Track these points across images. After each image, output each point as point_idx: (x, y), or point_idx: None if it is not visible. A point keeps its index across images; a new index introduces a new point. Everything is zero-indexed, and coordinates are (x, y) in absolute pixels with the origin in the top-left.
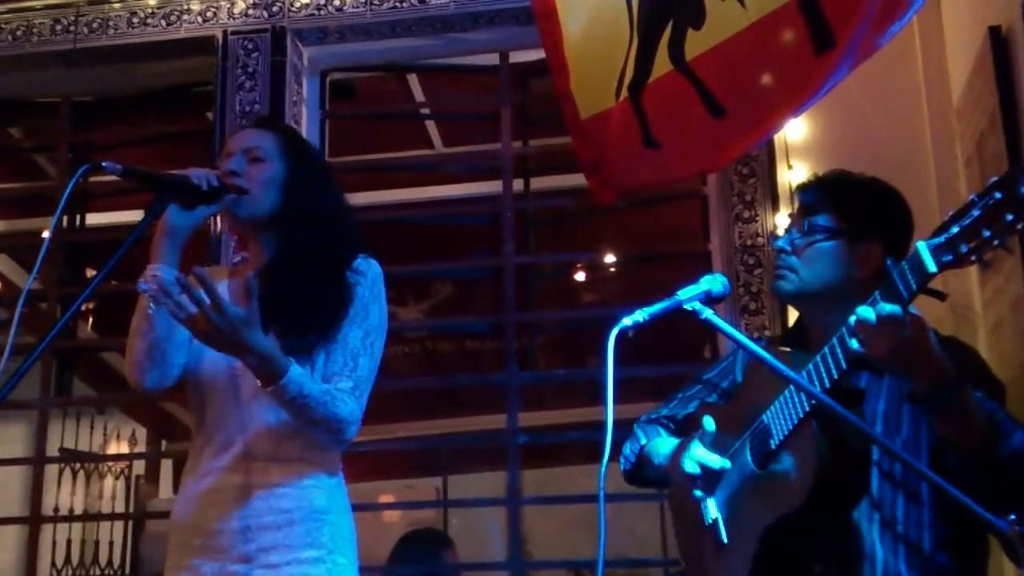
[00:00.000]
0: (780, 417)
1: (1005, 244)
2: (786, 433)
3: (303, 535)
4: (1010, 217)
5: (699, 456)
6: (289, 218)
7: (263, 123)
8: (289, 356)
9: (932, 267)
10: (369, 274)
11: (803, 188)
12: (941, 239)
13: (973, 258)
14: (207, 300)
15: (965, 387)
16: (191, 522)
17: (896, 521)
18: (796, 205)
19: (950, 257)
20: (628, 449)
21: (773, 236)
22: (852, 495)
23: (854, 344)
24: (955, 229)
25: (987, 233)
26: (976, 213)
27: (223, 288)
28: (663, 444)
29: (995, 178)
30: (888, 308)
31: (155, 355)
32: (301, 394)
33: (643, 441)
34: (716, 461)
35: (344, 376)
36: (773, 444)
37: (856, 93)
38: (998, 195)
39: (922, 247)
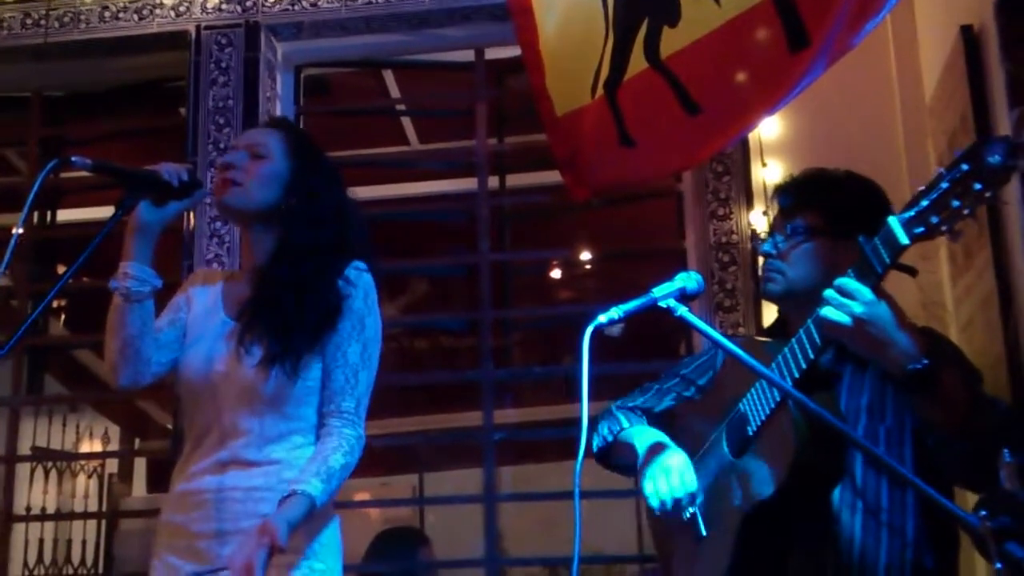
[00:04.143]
0: (756, 405)
1: (974, 213)
2: (762, 420)
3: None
4: (978, 186)
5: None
6: (286, 217)
7: (272, 123)
8: (275, 364)
9: (904, 239)
10: (360, 284)
11: (781, 190)
12: (912, 212)
13: (944, 228)
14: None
15: (943, 364)
16: (175, 523)
17: (881, 508)
18: (775, 208)
19: (921, 229)
20: (605, 428)
21: (754, 237)
22: (831, 477)
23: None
24: (925, 202)
25: (956, 203)
26: (945, 185)
27: (216, 293)
28: (643, 434)
29: (961, 150)
30: (849, 283)
31: (128, 353)
32: (333, 492)
33: (625, 424)
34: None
35: (347, 395)
36: (750, 432)
37: (830, 91)
38: (965, 166)
39: (893, 221)
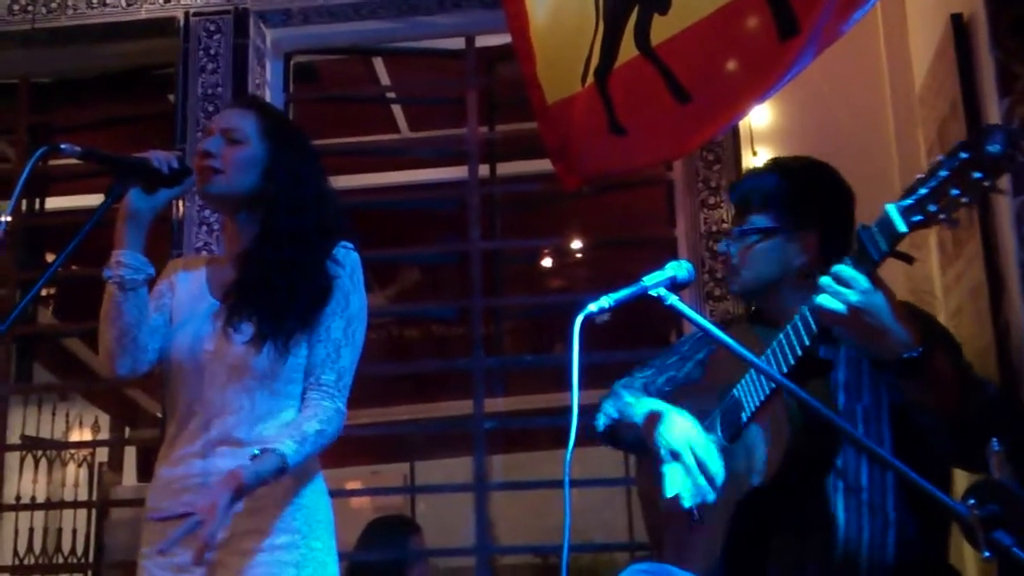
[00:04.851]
0: (750, 391)
1: (972, 202)
2: (756, 406)
3: (276, 520)
4: (977, 175)
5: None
6: (268, 202)
7: (247, 103)
8: (267, 340)
9: (902, 227)
10: (348, 263)
11: (732, 190)
12: (910, 200)
13: (942, 217)
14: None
15: (935, 349)
16: (165, 508)
17: (861, 488)
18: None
19: (920, 217)
20: (611, 406)
21: (717, 236)
22: (823, 464)
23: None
24: (923, 190)
25: (955, 192)
26: (944, 173)
27: (200, 278)
28: (644, 404)
29: (962, 140)
30: (845, 270)
31: (125, 342)
32: (307, 457)
33: (628, 399)
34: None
35: (327, 368)
36: (744, 418)
37: (820, 80)
38: (964, 155)
39: (891, 208)
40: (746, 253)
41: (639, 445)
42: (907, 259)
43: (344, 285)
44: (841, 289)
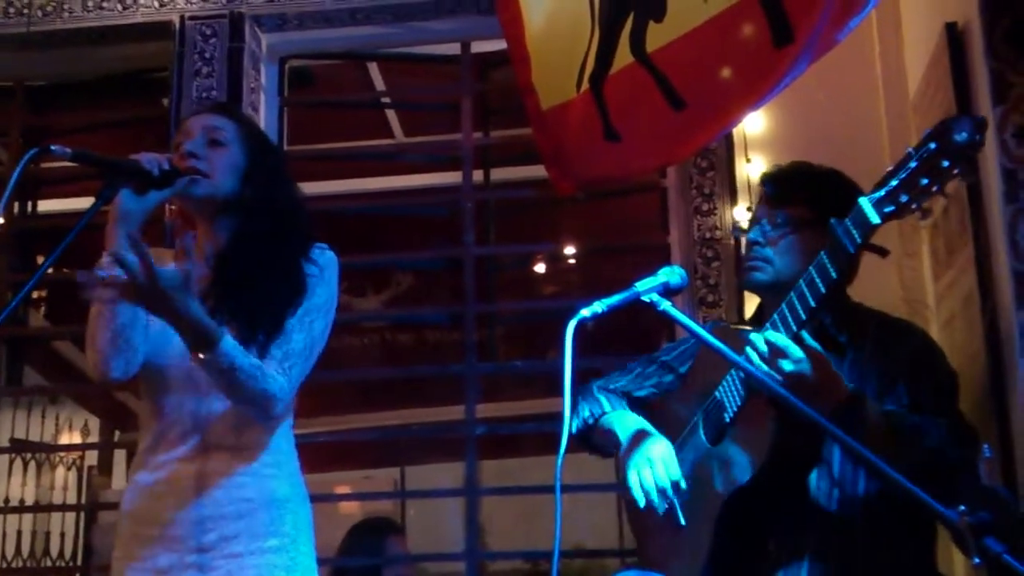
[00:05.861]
0: (732, 392)
1: (943, 190)
2: (738, 407)
3: (266, 524)
4: (946, 163)
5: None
6: (246, 207)
7: (223, 110)
8: (249, 344)
9: (875, 219)
10: (322, 261)
11: (771, 179)
12: (882, 192)
13: (914, 207)
14: (137, 266)
15: (863, 408)
16: (145, 512)
17: (858, 498)
18: (763, 196)
19: (891, 208)
20: (587, 411)
21: (735, 228)
22: (806, 462)
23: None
24: (894, 182)
25: (925, 181)
26: (913, 164)
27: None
28: (625, 420)
29: (929, 130)
30: (773, 336)
31: (119, 343)
32: (233, 366)
33: (607, 408)
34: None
35: (275, 345)
36: (727, 418)
37: (814, 87)
38: (933, 145)
39: (863, 201)
40: (780, 240)
41: (608, 452)
42: (881, 252)
43: (314, 280)
44: (768, 368)
